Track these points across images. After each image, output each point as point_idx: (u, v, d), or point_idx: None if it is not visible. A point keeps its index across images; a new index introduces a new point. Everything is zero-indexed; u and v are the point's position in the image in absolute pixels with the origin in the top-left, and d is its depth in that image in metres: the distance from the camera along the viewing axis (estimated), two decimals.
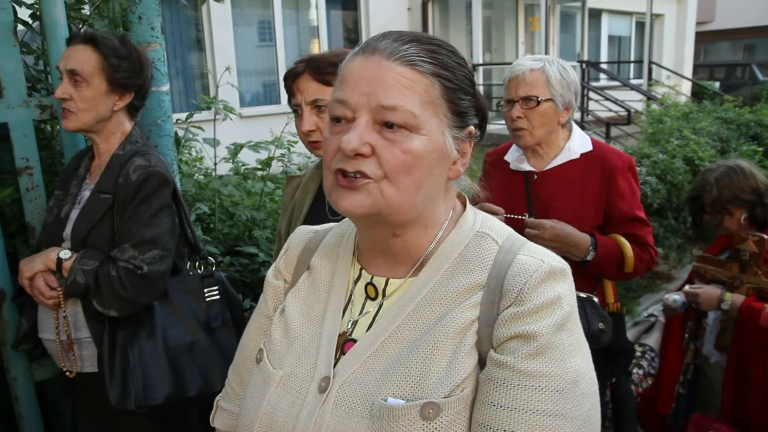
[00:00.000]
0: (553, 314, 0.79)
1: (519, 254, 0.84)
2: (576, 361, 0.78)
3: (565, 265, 0.85)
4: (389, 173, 0.79)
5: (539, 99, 1.86)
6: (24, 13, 2.09)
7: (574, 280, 2.01)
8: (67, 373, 1.72)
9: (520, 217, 1.87)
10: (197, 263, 1.83)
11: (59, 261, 1.63)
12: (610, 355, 1.97)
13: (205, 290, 1.77)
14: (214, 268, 1.84)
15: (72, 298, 1.67)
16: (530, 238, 1.77)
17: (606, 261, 1.87)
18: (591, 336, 1.76)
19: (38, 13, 1.99)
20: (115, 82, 1.67)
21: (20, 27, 1.95)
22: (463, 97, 0.85)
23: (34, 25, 2.10)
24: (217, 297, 1.78)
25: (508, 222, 1.80)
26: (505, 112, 1.94)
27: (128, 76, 1.69)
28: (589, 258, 1.85)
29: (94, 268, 1.61)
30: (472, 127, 0.88)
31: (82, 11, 2.14)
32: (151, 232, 1.62)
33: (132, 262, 1.60)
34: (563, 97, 1.88)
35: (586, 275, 1.90)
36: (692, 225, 2.60)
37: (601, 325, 1.79)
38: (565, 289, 0.82)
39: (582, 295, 1.83)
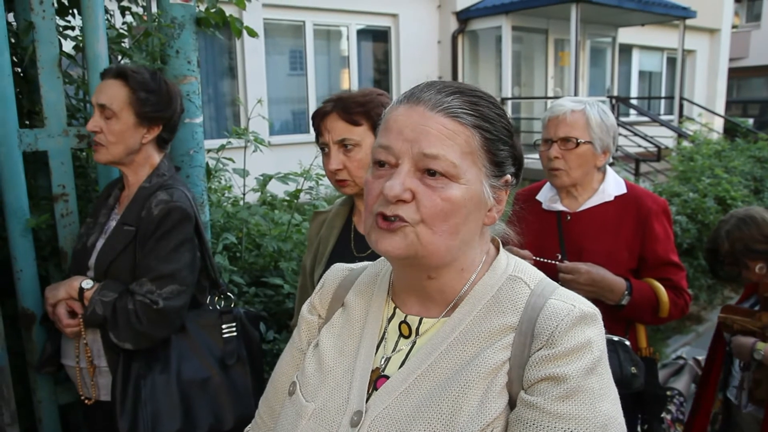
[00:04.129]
0: (583, 358, 0.80)
1: (551, 298, 0.86)
2: (605, 405, 0.79)
3: (596, 311, 0.87)
4: (427, 218, 0.82)
5: (578, 141, 1.86)
6: (68, 45, 2.19)
7: (607, 324, 1.97)
8: (86, 401, 1.73)
9: (551, 261, 1.85)
10: (217, 298, 1.84)
11: (81, 290, 1.66)
12: (642, 400, 1.93)
13: (223, 326, 1.77)
14: (233, 305, 1.85)
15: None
16: (565, 282, 1.77)
17: (641, 306, 1.84)
18: (623, 380, 1.73)
19: (81, 45, 2.07)
20: (143, 116, 1.71)
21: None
22: (502, 148, 0.89)
23: (78, 56, 2.18)
24: (235, 334, 1.78)
25: (538, 265, 1.79)
26: (542, 150, 1.95)
27: (156, 109, 1.72)
28: (624, 302, 1.82)
29: (112, 300, 1.63)
30: (509, 176, 0.91)
31: (123, 44, 2.23)
32: (169, 267, 1.64)
33: (149, 296, 1.61)
34: (602, 141, 1.88)
35: (618, 319, 1.87)
36: (712, 276, 2.53)
37: (633, 370, 1.76)
38: (596, 334, 0.84)
39: (614, 338, 1.81)
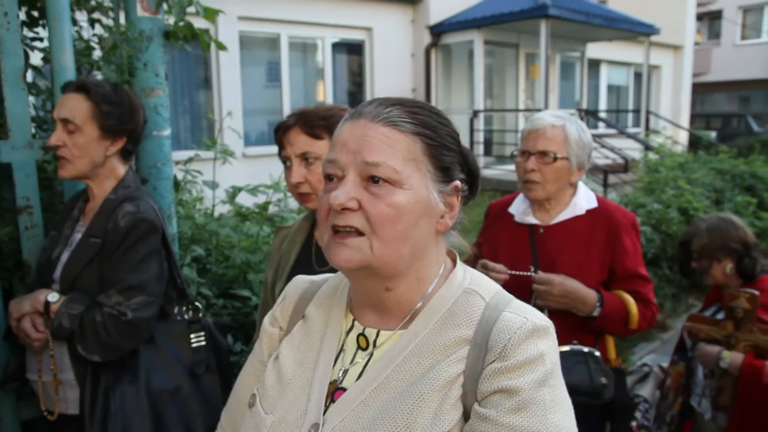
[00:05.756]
0: (535, 370, 0.81)
1: (505, 311, 0.87)
2: (557, 417, 0.80)
3: (549, 323, 0.88)
4: (375, 225, 0.84)
5: (556, 156, 1.88)
6: (36, 56, 2.18)
7: (578, 335, 1.99)
8: (48, 416, 1.71)
9: (526, 273, 1.87)
10: (185, 308, 1.83)
11: (47, 304, 1.64)
12: (611, 410, 1.96)
13: (192, 336, 1.77)
14: (201, 315, 1.85)
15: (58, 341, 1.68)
16: (539, 293, 1.81)
17: (612, 317, 1.87)
18: (594, 390, 1.77)
19: (49, 56, 2.06)
20: (107, 128, 1.70)
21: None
22: (446, 153, 0.90)
23: (45, 67, 2.17)
24: (203, 343, 1.78)
25: (513, 278, 1.83)
26: (519, 162, 1.96)
27: (120, 121, 1.72)
28: (595, 314, 1.85)
29: (79, 313, 1.62)
30: (458, 182, 0.92)
31: (92, 57, 2.22)
32: (137, 278, 1.63)
33: (117, 307, 1.60)
34: (578, 157, 1.91)
35: (589, 330, 1.91)
36: (679, 271, 2.64)
37: (603, 380, 1.80)
38: (548, 347, 0.85)
39: (585, 349, 1.85)
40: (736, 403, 2.16)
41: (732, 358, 2.15)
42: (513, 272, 1.86)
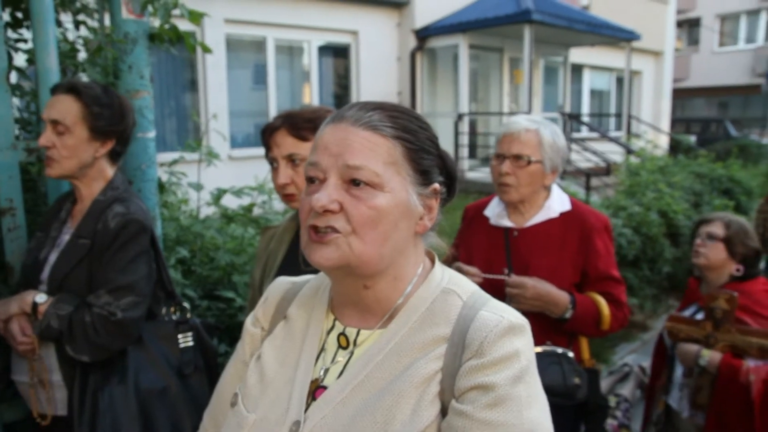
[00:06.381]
0: (511, 367, 0.83)
1: (481, 310, 0.89)
2: (533, 412, 0.82)
3: (525, 321, 0.90)
4: (356, 227, 0.86)
5: (530, 159, 1.90)
6: (20, 58, 2.17)
7: (551, 336, 2.02)
8: (40, 420, 1.70)
9: (500, 277, 1.90)
10: (173, 309, 1.84)
11: (35, 305, 1.64)
12: (585, 410, 1.99)
13: (180, 336, 1.77)
14: (189, 315, 1.85)
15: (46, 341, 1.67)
16: (512, 296, 1.84)
17: (584, 319, 1.90)
18: (567, 391, 1.80)
19: (33, 58, 2.06)
20: (97, 130, 1.70)
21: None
22: (426, 157, 0.93)
23: (29, 69, 2.17)
24: (191, 344, 1.78)
25: (487, 281, 1.86)
26: (494, 165, 1.99)
27: (110, 123, 1.73)
28: (567, 316, 1.88)
29: (68, 314, 1.62)
30: (437, 185, 0.94)
31: (77, 58, 2.22)
32: (127, 278, 1.64)
33: (106, 308, 1.61)
34: (552, 161, 1.93)
35: (562, 332, 1.93)
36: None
37: (576, 381, 1.82)
38: (524, 344, 0.87)
39: (558, 350, 1.87)
40: (714, 402, 2.21)
41: (710, 356, 2.20)
42: (486, 275, 1.88)
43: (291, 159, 1.56)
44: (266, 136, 1.60)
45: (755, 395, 2.08)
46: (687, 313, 2.46)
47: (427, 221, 0.94)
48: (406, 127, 0.91)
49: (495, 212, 2.06)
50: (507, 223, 2.02)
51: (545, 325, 1.89)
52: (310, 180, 0.90)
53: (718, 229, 2.41)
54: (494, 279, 1.88)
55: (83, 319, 1.60)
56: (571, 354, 1.89)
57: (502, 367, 0.83)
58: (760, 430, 2.09)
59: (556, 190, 2.06)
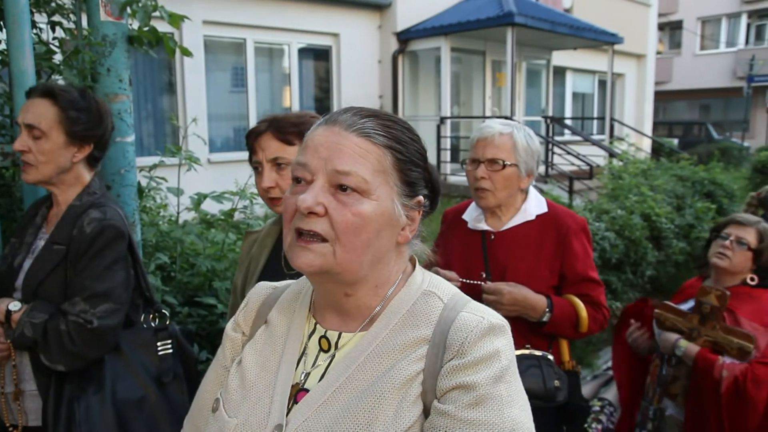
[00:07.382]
0: (491, 366, 0.85)
1: (462, 311, 0.91)
2: (514, 411, 0.83)
3: (504, 322, 0.91)
4: (339, 233, 0.86)
5: (505, 163, 1.91)
6: None
7: (531, 340, 2.02)
8: (12, 430, 1.66)
9: (477, 282, 1.90)
10: (151, 316, 1.81)
11: (8, 313, 1.60)
12: (566, 412, 1.99)
13: (158, 344, 1.74)
14: (168, 322, 1.82)
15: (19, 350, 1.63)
16: (489, 303, 1.83)
17: (561, 321, 1.91)
18: (547, 394, 1.80)
19: (7, 60, 2.01)
20: (74, 135, 1.67)
21: None
22: (414, 169, 0.93)
23: (3, 70, 2.11)
24: (170, 351, 1.75)
25: (464, 286, 1.85)
26: (469, 170, 1.99)
27: (87, 128, 1.69)
28: (545, 319, 1.89)
29: (42, 322, 1.58)
30: (421, 197, 0.95)
31: (53, 60, 2.17)
32: (103, 285, 1.61)
33: (82, 316, 1.57)
34: (527, 164, 1.94)
35: (542, 335, 1.94)
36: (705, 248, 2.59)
37: (557, 383, 1.82)
38: (504, 344, 0.88)
39: (538, 353, 1.87)
40: (690, 396, 2.23)
41: (688, 347, 2.21)
42: (464, 280, 1.89)
43: (276, 162, 1.56)
44: (251, 139, 1.59)
45: (723, 390, 2.10)
46: (685, 306, 2.45)
47: (408, 232, 0.95)
48: (399, 138, 0.92)
49: (473, 216, 2.07)
50: (484, 226, 2.02)
51: (524, 329, 1.89)
52: (297, 180, 0.90)
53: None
54: (472, 285, 1.88)
55: (58, 328, 1.56)
56: (550, 357, 1.89)
57: (483, 367, 0.84)
58: (728, 425, 2.11)
59: (533, 192, 2.06)
